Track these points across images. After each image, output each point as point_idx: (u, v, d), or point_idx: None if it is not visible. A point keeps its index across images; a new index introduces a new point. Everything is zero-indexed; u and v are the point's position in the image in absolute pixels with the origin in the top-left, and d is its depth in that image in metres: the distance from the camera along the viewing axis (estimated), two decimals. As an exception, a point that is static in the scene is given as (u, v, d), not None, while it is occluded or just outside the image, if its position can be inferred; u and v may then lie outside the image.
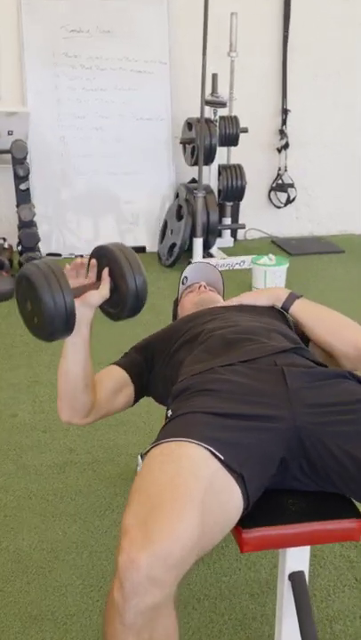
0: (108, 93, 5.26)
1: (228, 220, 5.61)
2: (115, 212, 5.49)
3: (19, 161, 4.55)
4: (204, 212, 5.01)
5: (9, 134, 4.89)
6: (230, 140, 5.18)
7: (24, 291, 1.64)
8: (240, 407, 1.57)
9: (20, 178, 4.59)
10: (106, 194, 5.44)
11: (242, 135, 5.23)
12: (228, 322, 1.95)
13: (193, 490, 1.36)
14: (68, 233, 5.40)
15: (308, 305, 2.07)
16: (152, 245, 5.51)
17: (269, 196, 5.86)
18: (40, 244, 5.25)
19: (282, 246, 5.66)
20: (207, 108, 4.99)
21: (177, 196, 5.37)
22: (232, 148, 5.41)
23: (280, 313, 2.09)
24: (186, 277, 2.43)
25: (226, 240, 5.65)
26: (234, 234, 5.75)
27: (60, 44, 5.12)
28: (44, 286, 1.57)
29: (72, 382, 1.79)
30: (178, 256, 5.07)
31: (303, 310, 2.05)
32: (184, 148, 5.26)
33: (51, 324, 1.59)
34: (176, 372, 1.87)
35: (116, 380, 1.98)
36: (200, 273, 2.44)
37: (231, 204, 5.54)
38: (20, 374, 3.47)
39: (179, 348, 1.96)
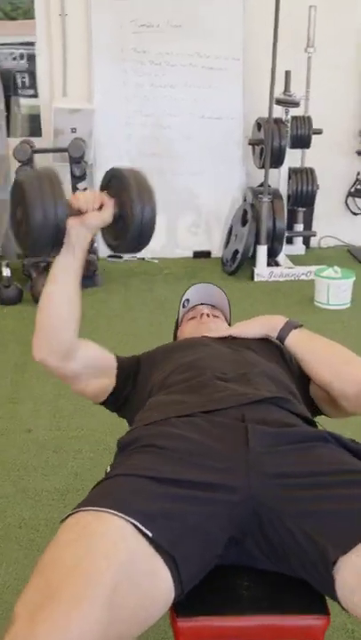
0: (177, 91, 5.04)
1: (299, 227, 5.30)
2: (180, 214, 5.28)
3: (75, 160, 4.41)
4: (270, 218, 4.73)
5: (72, 132, 4.76)
6: (302, 142, 4.87)
7: (16, 197, 1.53)
8: (187, 471, 1.32)
9: (77, 177, 4.45)
10: (172, 195, 5.22)
11: (319, 137, 4.91)
12: (205, 359, 1.70)
13: (103, 576, 1.12)
14: (131, 235, 5.22)
15: (305, 336, 1.79)
16: (219, 251, 5.26)
17: (346, 202, 5.49)
18: (101, 246, 5.13)
19: (358, 256, 5.29)
20: (279, 108, 4.71)
21: (245, 199, 5.10)
22: (307, 151, 5.09)
23: (275, 346, 1.82)
24: (187, 300, 2.18)
25: (297, 247, 5.34)
26: (306, 241, 5.42)
27: (129, 38, 4.94)
28: (36, 193, 1.47)
29: (54, 312, 1.62)
30: (240, 263, 4.81)
31: (299, 343, 1.77)
32: (253, 150, 4.98)
33: (36, 235, 1.47)
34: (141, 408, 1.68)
35: (103, 358, 1.78)
36: (203, 295, 2.18)
37: (303, 209, 5.22)
38: (46, 385, 3.30)
39: (153, 380, 1.74)
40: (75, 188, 4.50)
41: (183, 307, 2.19)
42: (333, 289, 4.26)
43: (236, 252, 4.84)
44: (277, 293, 4.59)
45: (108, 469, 1.40)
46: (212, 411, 1.46)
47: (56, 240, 1.50)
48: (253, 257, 4.81)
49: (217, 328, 2.03)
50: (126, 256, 5.15)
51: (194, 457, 1.35)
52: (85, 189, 1.69)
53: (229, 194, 5.26)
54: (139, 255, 5.16)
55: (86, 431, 2.89)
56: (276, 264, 4.92)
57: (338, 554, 1.21)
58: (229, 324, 2.17)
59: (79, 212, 1.57)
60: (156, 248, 5.20)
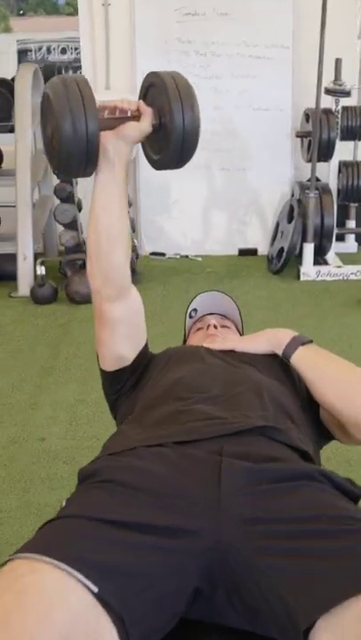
0: (223, 81, 4.84)
1: (351, 223, 5.03)
2: (226, 210, 5.09)
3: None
4: (318, 214, 4.48)
5: (114, 126, 4.62)
6: (353, 134, 4.60)
7: (46, 111, 1.43)
8: (147, 514, 1.14)
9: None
10: (217, 191, 5.05)
11: (373, 128, 4.64)
12: (196, 376, 1.51)
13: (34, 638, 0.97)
14: (175, 232, 5.06)
15: (313, 354, 1.58)
16: (265, 248, 5.04)
17: None
18: (143, 242, 4.99)
19: None
20: (329, 98, 4.46)
21: (293, 194, 4.86)
22: (359, 143, 4.82)
23: (281, 363, 1.62)
24: (195, 310, 1.99)
25: (348, 245, 5.07)
26: (359, 239, 5.14)
27: (174, 28, 4.76)
28: (65, 107, 1.36)
29: (102, 233, 1.49)
30: (285, 262, 4.58)
31: (305, 361, 1.57)
32: (302, 142, 4.74)
33: (67, 153, 1.37)
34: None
35: (141, 324, 1.70)
36: (211, 304, 1.99)
37: (356, 205, 4.94)
38: (67, 390, 3.17)
39: (145, 390, 1.58)
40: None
41: (190, 317, 2.01)
42: (382, 290, 4.00)
43: (282, 249, 4.61)
44: (324, 294, 4.35)
45: (63, 504, 1.23)
46: (186, 442, 1.28)
47: (89, 155, 1.38)
48: (300, 255, 4.58)
49: (223, 340, 1.84)
50: (169, 253, 4.99)
51: (157, 496, 1.17)
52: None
53: (278, 189, 5.03)
54: (182, 252, 4.99)
55: (101, 441, 2.69)
56: (325, 262, 4.67)
57: (309, 620, 1.02)
58: (242, 335, 1.98)
59: (115, 123, 1.44)
60: (200, 245, 5.03)
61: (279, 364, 1.62)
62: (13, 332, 3.87)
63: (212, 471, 1.19)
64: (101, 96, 4.28)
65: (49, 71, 5.31)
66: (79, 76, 1.43)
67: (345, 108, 4.54)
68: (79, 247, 4.39)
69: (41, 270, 4.21)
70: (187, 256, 4.99)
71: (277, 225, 4.86)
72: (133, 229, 4.55)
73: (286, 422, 1.42)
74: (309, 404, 1.57)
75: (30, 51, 5.53)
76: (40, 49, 5.46)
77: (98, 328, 1.64)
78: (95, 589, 1.03)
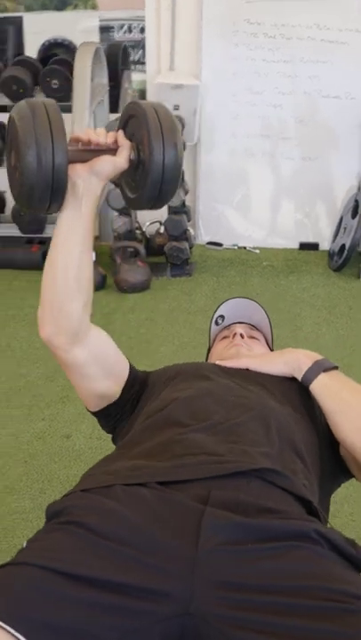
0: (291, 66, 4.60)
1: None
2: (289, 201, 4.87)
3: (170, 140, 4.09)
4: (384, 211, 4.23)
5: (175, 109, 4.46)
6: None
7: (11, 137, 1.30)
8: (110, 567, 1.00)
9: (171, 158, 4.13)
10: (281, 180, 4.83)
11: None
12: (198, 399, 1.36)
13: None
14: (234, 221, 4.87)
15: (336, 383, 1.41)
16: (328, 243, 4.79)
17: None
18: (201, 231, 4.83)
19: None
20: None
21: (359, 188, 4.61)
22: None
23: (299, 388, 1.45)
24: (222, 316, 1.83)
25: None
26: None
27: (243, 8, 4.53)
28: (30, 136, 1.22)
29: (59, 278, 1.34)
30: (346, 259, 4.34)
31: (326, 390, 1.40)
32: (372, 133, 4.48)
33: (29, 186, 1.23)
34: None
35: (116, 354, 1.50)
36: (240, 312, 1.82)
37: None
38: (101, 385, 3.06)
39: (143, 411, 1.43)
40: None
41: (216, 324, 1.85)
42: None
43: (344, 246, 4.37)
44: (385, 297, 4.11)
45: (24, 545, 1.10)
46: (170, 483, 1.13)
47: (54, 191, 1.24)
48: (363, 253, 4.34)
49: (251, 354, 1.68)
50: (226, 244, 4.81)
51: (126, 548, 1.03)
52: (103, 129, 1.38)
53: (345, 181, 4.76)
54: (240, 243, 4.81)
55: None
56: (390, 262, 4.42)
57: None
58: (271, 350, 1.81)
59: (88, 156, 1.30)
60: (258, 237, 4.83)
61: (297, 390, 1.45)
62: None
63: (191, 523, 1.04)
64: (161, 78, 4.10)
65: (114, 50, 5.16)
66: (49, 101, 1.28)
67: None
68: (131, 234, 4.26)
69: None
70: (244, 247, 4.80)
71: (341, 220, 4.62)
72: (189, 218, 4.38)
73: (293, 461, 1.25)
74: (329, 438, 1.41)
75: (112, 28, 5.37)
76: (122, 27, 5.30)
77: (65, 372, 1.47)
78: None
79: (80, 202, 1.31)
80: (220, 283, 4.30)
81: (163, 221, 4.41)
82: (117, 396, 1.47)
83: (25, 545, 1.09)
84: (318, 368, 1.42)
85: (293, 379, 1.46)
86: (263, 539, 1.04)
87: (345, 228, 4.47)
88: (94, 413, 1.53)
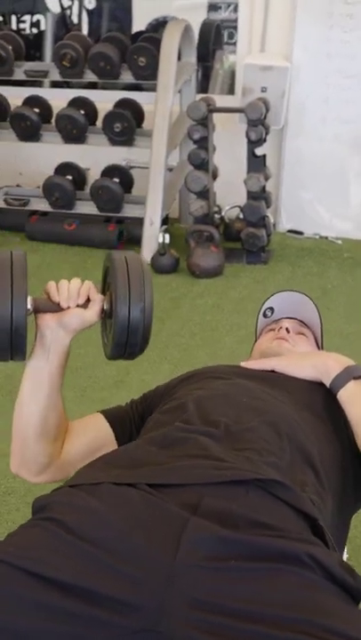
0: (388, 49, 4.39)
1: None
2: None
3: (253, 122, 3.97)
4: None
5: (262, 91, 4.34)
6: None
7: None
8: (82, 572, 0.95)
9: (253, 142, 4.02)
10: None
11: None
12: (212, 399, 1.27)
13: None
14: (318, 209, 4.71)
15: None
16: None
17: None
18: (282, 218, 4.70)
19: None
20: None
21: None
22: None
23: (325, 394, 1.34)
24: (271, 309, 1.72)
25: None
26: None
27: (340, -12, 4.36)
28: None
29: (24, 422, 1.34)
30: None
31: (353, 399, 1.29)
32: None
33: None
34: None
35: (96, 436, 1.44)
36: (291, 306, 1.71)
37: None
38: (159, 371, 2.98)
39: (152, 417, 1.36)
40: (251, 153, 4.09)
41: (265, 316, 1.75)
42: None
43: None
44: None
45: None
46: (160, 486, 1.06)
47: (14, 344, 1.22)
48: None
49: (295, 350, 1.58)
50: (307, 233, 4.66)
51: (102, 552, 0.97)
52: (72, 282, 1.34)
53: None
54: (322, 233, 4.65)
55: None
56: None
57: None
58: (321, 348, 1.70)
59: (57, 308, 1.29)
60: (342, 227, 4.65)
61: (323, 396, 1.34)
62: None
63: (172, 533, 0.97)
64: (250, 59, 3.96)
65: (207, 29, 5.07)
66: (16, 253, 1.24)
67: None
68: (208, 218, 4.18)
69: (164, 238, 4.05)
70: (326, 237, 4.63)
71: None
72: (269, 204, 4.25)
73: (304, 473, 1.16)
74: (356, 450, 1.30)
75: (220, 7, 5.28)
76: (229, 6, 5.20)
77: None
78: None
79: (47, 351, 1.29)
80: (296, 273, 4.16)
81: (242, 206, 4.31)
82: (116, 445, 1.42)
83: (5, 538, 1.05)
84: (348, 375, 1.32)
85: (321, 384, 1.36)
86: (248, 557, 0.95)
87: None
88: None
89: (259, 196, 4.12)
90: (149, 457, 1.14)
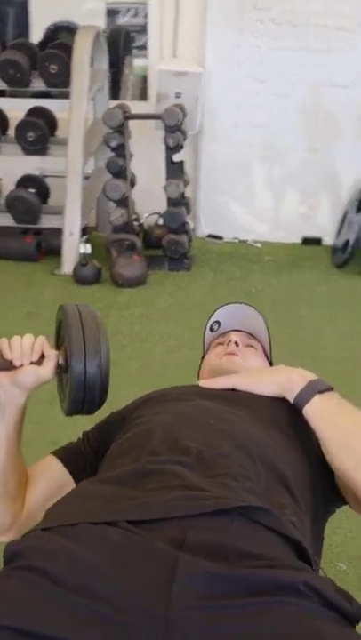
0: (297, 54, 4.45)
1: None
2: (292, 194, 4.73)
3: (170, 129, 3.95)
4: (390, 206, 4.09)
5: (177, 97, 4.33)
6: None
7: None
8: (67, 624, 0.88)
9: (170, 148, 4.00)
10: (284, 173, 4.69)
11: None
12: (178, 423, 1.23)
13: None
14: (236, 214, 4.74)
15: (332, 407, 1.27)
16: (331, 238, 4.65)
17: None
18: (201, 223, 4.70)
19: None
20: None
21: (365, 182, 4.47)
22: None
23: (293, 413, 1.32)
24: (217, 322, 1.69)
25: None
26: None
27: (250, -6, 4.40)
28: None
29: None
30: (350, 256, 4.21)
31: (321, 414, 1.26)
32: (379, 126, 4.33)
33: None
34: None
35: (53, 479, 1.37)
36: (238, 319, 1.68)
37: None
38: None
39: (115, 445, 1.30)
40: (169, 160, 4.07)
41: (211, 330, 1.71)
42: None
43: (347, 242, 4.24)
44: (389, 295, 3.97)
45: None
46: (141, 522, 1.00)
47: None
48: (367, 250, 4.21)
49: (246, 364, 1.55)
50: (226, 237, 4.68)
51: (87, 601, 0.90)
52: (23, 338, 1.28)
53: (351, 174, 4.62)
54: (241, 237, 4.68)
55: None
56: (395, 259, 4.28)
57: None
58: (270, 363, 1.67)
59: (10, 366, 1.23)
60: (260, 231, 4.70)
61: (288, 413, 1.31)
62: (47, 313, 3.65)
63: (164, 572, 0.91)
64: (163, 65, 3.95)
65: (116, 35, 5.01)
66: None
67: None
68: (128, 226, 4.13)
69: (85, 248, 3.97)
70: (245, 241, 4.66)
71: (345, 214, 4.49)
72: (189, 210, 4.25)
73: (280, 495, 1.12)
74: (322, 464, 1.28)
75: (119, 12, 5.21)
76: (128, 11, 5.14)
77: None
78: None
79: (2, 413, 1.24)
80: (219, 278, 4.16)
81: (161, 213, 4.27)
82: (74, 483, 1.35)
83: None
84: (312, 390, 1.29)
85: (285, 399, 1.33)
86: (244, 592, 0.91)
87: (349, 223, 4.34)
88: None
89: (179, 202, 4.10)
90: (123, 492, 1.08)
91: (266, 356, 1.67)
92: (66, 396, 1.27)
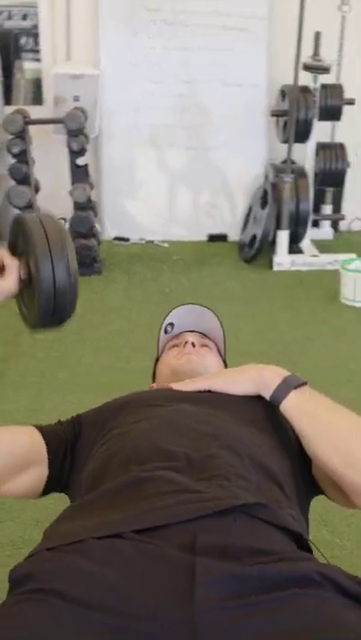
0: (192, 54, 4.49)
1: (327, 209, 4.75)
2: (195, 192, 4.77)
3: (72, 133, 3.90)
4: (293, 200, 4.20)
5: (75, 100, 4.27)
6: (332, 114, 4.31)
7: None
8: (91, 642, 0.86)
9: (75, 152, 3.95)
10: (185, 171, 4.72)
11: (351, 108, 4.35)
12: (158, 431, 1.22)
13: None
14: (140, 215, 4.74)
15: (309, 401, 1.30)
16: (236, 233, 4.74)
17: (380, 181, 4.92)
18: (106, 226, 4.67)
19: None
20: (306, 74, 4.15)
21: (266, 177, 4.57)
22: (338, 124, 4.53)
23: (268, 410, 1.33)
24: (171, 324, 1.69)
25: (324, 232, 4.79)
26: (335, 225, 4.87)
27: (141, -6, 4.40)
28: None
29: None
30: (259, 250, 4.29)
31: (299, 410, 1.28)
32: (277, 122, 4.44)
33: None
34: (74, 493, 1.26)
35: (25, 449, 1.31)
36: (192, 319, 1.70)
37: (332, 189, 4.66)
38: (23, 398, 2.85)
39: (94, 454, 1.27)
40: (73, 164, 4.02)
41: (165, 332, 1.71)
42: (361, 284, 3.74)
43: (255, 236, 4.32)
44: (299, 286, 4.07)
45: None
46: (148, 530, 0.99)
47: None
48: (273, 243, 4.30)
49: (204, 363, 1.56)
50: (133, 238, 4.67)
51: (107, 616, 0.88)
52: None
53: (251, 171, 4.71)
54: (147, 237, 4.68)
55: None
56: (300, 251, 4.40)
57: None
58: (224, 361, 1.69)
59: None
60: (166, 230, 4.72)
61: (264, 410, 1.33)
62: None
63: (183, 579, 0.90)
64: (59, 68, 3.89)
65: (5, 39, 4.90)
66: None
67: (324, 86, 4.24)
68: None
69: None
70: (152, 241, 4.67)
71: (250, 210, 4.57)
72: (96, 214, 4.21)
73: (273, 490, 1.14)
74: (300, 457, 1.30)
75: (6, 15, 5.07)
76: (14, 14, 5.02)
77: None
78: None
79: None
80: (132, 280, 4.15)
81: (68, 219, 4.21)
82: (47, 474, 1.31)
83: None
84: (288, 386, 1.31)
85: (259, 397, 1.34)
86: (264, 589, 0.91)
87: (255, 218, 4.42)
88: (40, 495, 1.35)
89: (86, 206, 4.06)
90: (121, 504, 1.06)
91: (220, 354, 1.69)
92: (33, 310, 1.22)
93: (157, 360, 1.70)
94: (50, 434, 1.34)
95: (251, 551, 0.97)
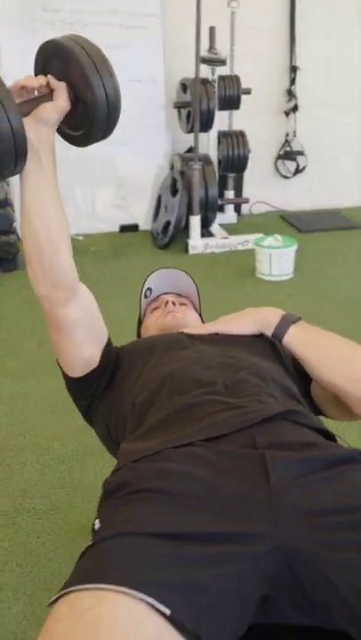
0: (92, 52, 4.63)
1: (230, 194, 5.03)
2: (102, 186, 4.93)
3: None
4: (202, 186, 4.44)
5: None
6: (231, 103, 4.58)
7: None
8: (199, 522, 1.04)
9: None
10: (92, 166, 4.86)
11: (245, 97, 4.64)
12: (188, 367, 1.40)
13: None
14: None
15: (307, 333, 1.52)
16: (146, 223, 4.94)
17: (276, 165, 5.26)
18: (18, 222, 4.73)
19: (291, 222, 5.07)
20: (204, 67, 4.40)
21: (172, 167, 4.79)
22: (234, 113, 4.82)
23: (267, 342, 1.55)
24: (150, 289, 1.88)
25: (228, 216, 5.08)
26: (238, 209, 5.16)
27: (38, -5, 4.51)
28: None
29: (42, 234, 1.34)
30: (173, 236, 4.51)
31: (300, 341, 1.51)
32: (179, 113, 4.67)
33: None
34: (122, 420, 1.42)
35: (98, 319, 1.52)
36: (168, 282, 1.89)
37: (233, 175, 4.95)
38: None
39: (128, 390, 1.45)
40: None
41: (145, 297, 1.89)
42: (276, 258, 4.03)
43: (168, 223, 4.54)
44: (216, 266, 4.32)
45: (97, 525, 1.09)
46: (214, 438, 1.18)
47: (18, 153, 1.21)
48: (186, 228, 4.53)
49: (186, 318, 1.76)
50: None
51: (204, 501, 1.07)
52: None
53: (154, 162, 4.93)
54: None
55: (29, 439, 2.57)
56: (210, 234, 4.65)
57: None
58: (200, 316, 1.89)
59: (28, 108, 1.27)
60: (79, 224, 4.84)
61: (266, 344, 1.55)
62: None
63: (256, 467, 1.11)
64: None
65: None
66: None
67: (222, 78, 4.50)
68: None
69: None
70: (68, 235, 4.78)
71: (159, 199, 4.78)
72: (13, 209, 4.29)
73: (294, 405, 1.36)
74: (300, 381, 1.53)
75: None
76: None
77: (55, 336, 1.48)
78: (167, 612, 0.92)
79: (39, 156, 1.30)
80: (56, 272, 4.26)
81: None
82: (97, 361, 1.49)
83: (97, 526, 1.08)
84: (287, 322, 1.53)
85: (261, 335, 1.55)
86: (320, 468, 1.13)
87: (166, 207, 4.63)
88: (77, 380, 1.51)
89: (4, 204, 4.14)
90: (179, 425, 1.24)
91: (196, 310, 1.89)
92: (87, 123, 1.31)
93: (140, 322, 1.88)
94: (111, 345, 1.54)
95: (300, 444, 1.18)
